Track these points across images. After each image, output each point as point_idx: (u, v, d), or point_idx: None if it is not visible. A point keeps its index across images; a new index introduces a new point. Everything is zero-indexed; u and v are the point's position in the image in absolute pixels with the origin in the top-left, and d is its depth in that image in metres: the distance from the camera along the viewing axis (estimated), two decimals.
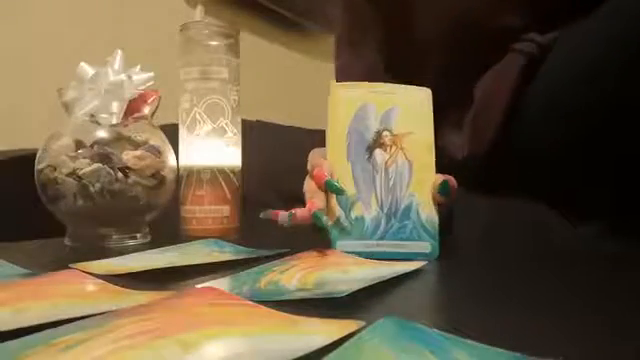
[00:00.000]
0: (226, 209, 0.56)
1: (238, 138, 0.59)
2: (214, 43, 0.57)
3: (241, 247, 0.45)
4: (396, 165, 0.42)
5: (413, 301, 0.29)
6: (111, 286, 0.30)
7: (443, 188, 0.40)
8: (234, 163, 0.58)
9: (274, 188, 0.73)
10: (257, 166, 0.67)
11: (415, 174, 0.42)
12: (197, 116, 0.56)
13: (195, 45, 0.57)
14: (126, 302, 0.26)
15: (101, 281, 0.31)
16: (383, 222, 0.41)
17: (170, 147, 0.54)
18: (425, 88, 0.44)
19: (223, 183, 0.57)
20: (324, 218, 0.39)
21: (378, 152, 0.42)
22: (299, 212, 0.39)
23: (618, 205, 0.48)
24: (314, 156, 0.45)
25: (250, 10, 1.33)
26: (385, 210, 0.41)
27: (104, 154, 0.48)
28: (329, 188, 0.40)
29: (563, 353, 0.18)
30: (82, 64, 0.51)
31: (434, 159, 0.42)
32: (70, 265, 0.35)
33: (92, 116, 0.50)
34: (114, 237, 0.49)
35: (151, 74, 0.53)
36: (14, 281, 0.32)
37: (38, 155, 0.50)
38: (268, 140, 0.83)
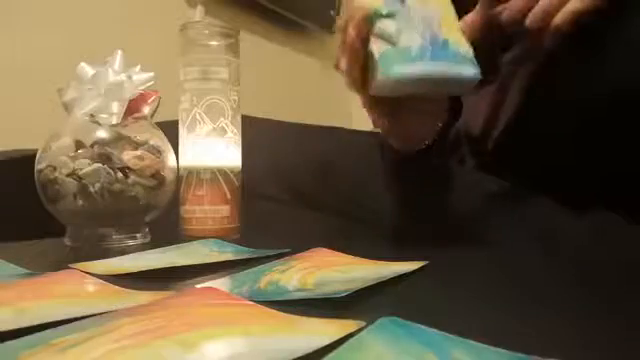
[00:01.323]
0: (226, 209, 0.56)
1: (238, 138, 0.59)
2: (214, 43, 0.57)
3: (241, 247, 0.45)
4: (427, 6, 0.43)
5: (413, 301, 0.29)
6: (111, 286, 0.30)
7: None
8: (234, 163, 0.58)
9: (276, 182, 0.73)
10: (259, 161, 0.67)
11: (444, 16, 0.43)
12: (197, 116, 0.56)
13: (195, 45, 0.57)
14: (126, 302, 0.26)
15: (101, 281, 0.31)
16: (428, 50, 0.41)
17: (170, 147, 0.54)
18: None
19: (223, 183, 0.57)
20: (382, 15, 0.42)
21: None
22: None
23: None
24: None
25: (250, 10, 1.33)
26: (427, 40, 0.41)
27: (104, 154, 0.48)
28: (377, 14, 0.42)
29: (564, 353, 0.18)
30: (82, 64, 0.51)
31: (452, 4, 0.44)
32: (70, 265, 0.35)
33: (92, 116, 0.50)
34: (114, 237, 0.49)
35: (151, 74, 0.53)
36: (14, 281, 0.32)
37: (38, 155, 0.50)
38: (270, 135, 0.83)
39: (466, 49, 0.42)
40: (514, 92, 0.56)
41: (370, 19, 0.42)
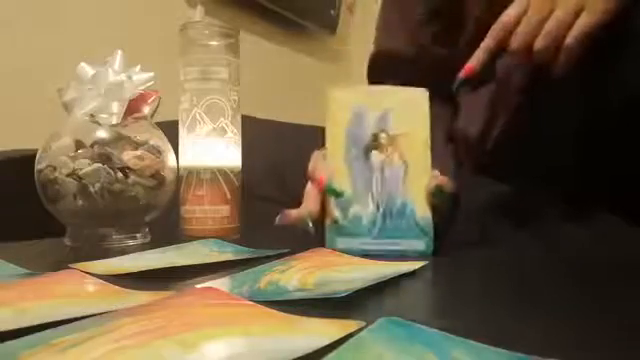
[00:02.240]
0: (226, 209, 0.56)
1: (238, 138, 0.59)
2: (214, 43, 0.57)
3: (241, 247, 0.45)
4: (392, 166, 0.43)
5: (413, 301, 0.29)
6: (111, 286, 0.30)
7: (437, 193, 0.42)
8: (234, 163, 0.58)
9: (276, 182, 0.73)
10: (259, 161, 0.67)
11: (410, 174, 0.43)
12: (197, 116, 0.56)
13: (195, 45, 0.57)
14: (126, 302, 0.26)
15: (101, 281, 0.31)
16: (379, 221, 0.42)
17: (170, 147, 0.54)
18: (422, 89, 0.44)
19: (223, 183, 0.57)
20: (310, 223, 0.42)
21: (375, 153, 0.43)
22: (294, 212, 0.42)
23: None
24: (315, 158, 0.46)
25: (250, 10, 1.33)
26: (381, 209, 0.42)
27: (104, 154, 0.48)
28: (329, 192, 0.43)
29: (564, 353, 0.18)
30: (82, 64, 0.51)
31: (429, 159, 0.43)
32: (70, 265, 0.35)
33: (92, 116, 0.50)
34: (114, 237, 0.49)
35: (151, 74, 0.53)
36: (14, 281, 0.32)
37: (38, 155, 0.50)
38: (269, 136, 0.83)
39: (424, 215, 0.42)
40: (513, 92, 0.55)
41: (326, 190, 0.43)
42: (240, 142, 0.59)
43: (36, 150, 0.50)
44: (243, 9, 1.31)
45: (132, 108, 0.51)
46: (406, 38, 0.63)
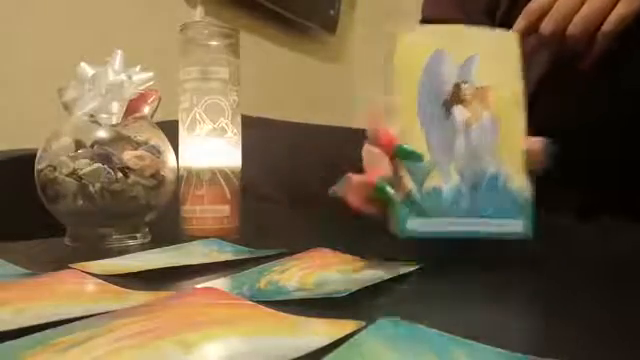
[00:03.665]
0: (226, 209, 0.56)
1: (238, 138, 0.59)
2: (214, 43, 0.57)
3: (241, 247, 0.45)
4: (480, 125, 0.34)
5: (413, 301, 0.29)
6: (111, 286, 0.30)
7: (549, 152, 0.34)
8: (234, 163, 0.58)
9: (276, 182, 0.73)
10: (259, 161, 0.66)
11: (503, 136, 0.34)
12: (197, 116, 0.56)
13: (195, 45, 0.57)
14: (126, 302, 0.26)
15: (101, 281, 0.31)
16: (465, 195, 0.34)
17: (170, 147, 0.54)
18: (512, 32, 0.37)
19: (223, 183, 0.57)
20: (389, 189, 0.32)
21: (457, 109, 0.34)
22: (356, 178, 0.32)
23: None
24: (374, 113, 0.37)
25: (250, 10, 1.33)
26: (467, 180, 0.34)
27: (104, 154, 0.48)
28: (400, 154, 0.33)
29: (564, 353, 0.18)
30: (82, 64, 0.51)
31: (525, 117, 0.35)
32: (70, 265, 0.35)
33: (92, 116, 0.50)
34: (114, 237, 0.49)
35: (151, 74, 0.53)
36: (14, 281, 0.32)
37: (38, 155, 0.50)
38: (269, 136, 0.83)
39: (520, 188, 0.34)
40: (534, 79, 0.54)
41: (397, 151, 0.33)
42: (240, 142, 0.59)
43: (36, 150, 0.50)
44: (243, 9, 1.31)
45: (132, 108, 0.51)
46: (454, 7, 0.62)
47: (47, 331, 0.20)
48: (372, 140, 0.34)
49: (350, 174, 0.32)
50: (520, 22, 0.46)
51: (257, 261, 0.37)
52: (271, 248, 0.42)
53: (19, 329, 0.21)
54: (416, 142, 0.34)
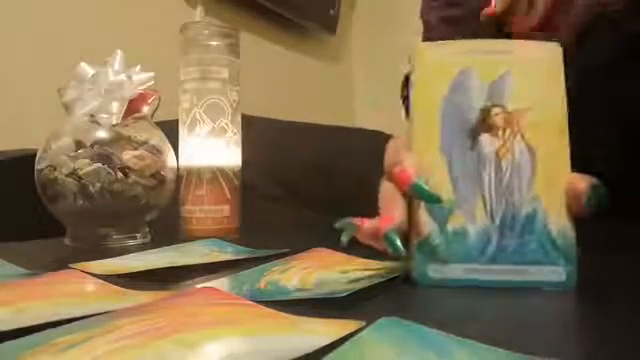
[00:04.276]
0: (226, 209, 0.56)
1: (238, 138, 0.59)
2: (214, 43, 0.57)
3: (241, 247, 0.45)
4: (512, 156, 0.29)
5: (413, 301, 0.29)
6: (111, 286, 0.30)
7: (595, 197, 0.28)
8: (234, 163, 0.58)
9: (276, 182, 0.73)
10: (259, 161, 0.66)
11: (540, 169, 0.29)
12: (197, 116, 0.56)
13: (195, 45, 0.57)
14: (126, 302, 0.26)
15: (101, 281, 0.31)
16: (495, 238, 0.29)
17: (170, 147, 0.54)
18: (554, 43, 0.31)
19: (223, 183, 0.57)
20: (397, 243, 0.28)
21: (486, 138, 0.30)
22: (366, 226, 0.29)
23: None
24: (394, 147, 0.33)
25: (250, 10, 1.33)
26: (497, 221, 0.29)
27: (104, 154, 0.48)
28: (417, 194, 0.29)
29: (564, 353, 0.18)
30: (82, 64, 0.51)
31: (568, 144, 0.30)
32: (70, 265, 0.35)
33: (92, 116, 0.50)
34: (114, 237, 0.49)
35: (151, 74, 0.53)
36: (14, 281, 0.32)
37: (38, 155, 0.50)
38: (269, 135, 0.83)
39: (561, 230, 0.29)
40: None
41: (413, 190, 0.29)
42: (240, 142, 0.59)
43: (36, 150, 0.50)
44: (243, 9, 1.31)
45: (132, 108, 0.51)
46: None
47: (47, 331, 0.20)
48: (388, 177, 0.31)
49: (359, 220, 0.29)
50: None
51: (257, 261, 0.37)
52: (271, 248, 0.42)
53: (19, 329, 0.20)
54: (437, 177, 0.29)
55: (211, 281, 0.31)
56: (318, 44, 1.63)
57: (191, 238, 0.49)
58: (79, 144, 0.49)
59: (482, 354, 0.18)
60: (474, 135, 0.30)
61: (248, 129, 0.61)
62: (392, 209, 0.29)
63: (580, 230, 0.29)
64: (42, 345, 0.19)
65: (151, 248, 0.44)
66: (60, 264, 0.35)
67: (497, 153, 0.30)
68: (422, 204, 0.29)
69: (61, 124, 0.51)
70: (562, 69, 0.30)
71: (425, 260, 0.29)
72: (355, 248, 0.40)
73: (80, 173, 0.47)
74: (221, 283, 0.31)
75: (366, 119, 1.48)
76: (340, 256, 0.39)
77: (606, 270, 0.33)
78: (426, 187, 0.29)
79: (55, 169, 0.48)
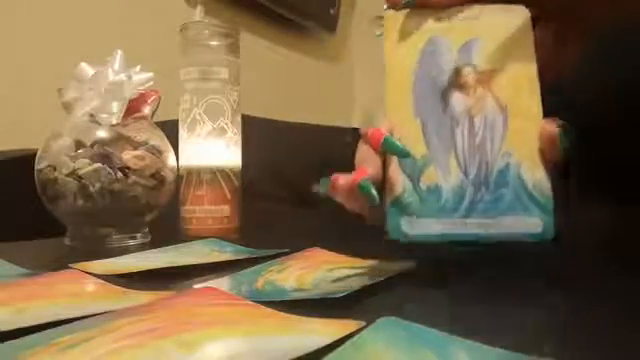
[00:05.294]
0: (226, 209, 0.56)
1: (238, 138, 0.59)
2: (214, 43, 0.57)
3: (241, 247, 0.45)
4: (484, 113, 0.30)
5: (413, 301, 0.29)
6: (111, 286, 0.30)
7: (567, 137, 0.28)
8: (234, 163, 0.58)
9: (276, 182, 0.73)
10: (258, 159, 0.66)
11: (512, 123, 0.29)
12: (197, 116, 0.56)
13: (195, 45, 0.57)
14: (126, 302, 0.26)
15: (101, 281, 0.31)
16: (469, 192, 0.29)
17: (170, 147, 0.54)
18: (521, 7, 0.31)
19: (223, 183, 0.57)
20: (372, 191, 0.28)
21: (458, 97, 0.30)
22: (342, 179, 0.29)
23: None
24: (369, 111, 0.36)
25: (250, 10, 1.33)
26: (471, 175, 0.29)
27: (104, 154, 0.48)
28: (388, 148, 0.29)
29: (564, 353, 0.18)
30: (82, 64, 0.51)
31: (539, 100, 0.30)
32: (70, 265, 0.35)
33: (92, 116, 0.50)
34: (114, 237, 0.49)
35: (151, 74, 0.53)
36: (14, 281, 0.32)
37: (38, 155, 0.50)
38: (269, 135, 0.83)
39: (537, 181, 0.28)
40: None
41: (384, 145, 0.30)
42: (240, 142, 0.59)
43: (36, 150, 0.50)
44: (243, 9, 1.31)
45: (132, 108, 0.51)
46: None
47: (47, 331, 0.20)
48: (364, 138, 0.31)
49: (336, 174, 0.30)
50: None
51: (257, 261, 0.37)
52: (271, 248, 0.42)
53: (19, 329, 0.21)
54: (410, 136, 0.30)
55: (211, 281, 0.31)
56: (318, 44, 1.63)
57: (191, 238, 0.49)
58: (79, 144, 0.49)
59: (482, 354, 0.18)
60: (446, 96, 0.30)
61: (248, 130, 0.61)
62: (366, 166, 0.30)
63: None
64: (42, 345, 0.19)
65: (151, 248, 0.44)
66: (60, 264, 0.35)
67: (469, 111, 0.30)
68: (395, 161, 0.29)
69: (61, 124, 0.51)
70: (530, 31, 0.30)
71: (398, 216, 0.29)
72: (354, 248, 0.40)
73: (80, 173, 0.47)
74: (221, 283, 0.31)
75: (364, 119, 1.48)
76: (337, 256, 0.39)
77: None
78: (396, 141, 0.29)
79: (55, 169, 0.48)
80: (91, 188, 0.47)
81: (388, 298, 0.29)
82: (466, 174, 0.29)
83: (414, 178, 0.29)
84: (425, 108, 0.30)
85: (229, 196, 0.57)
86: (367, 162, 0.30)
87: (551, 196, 0.29)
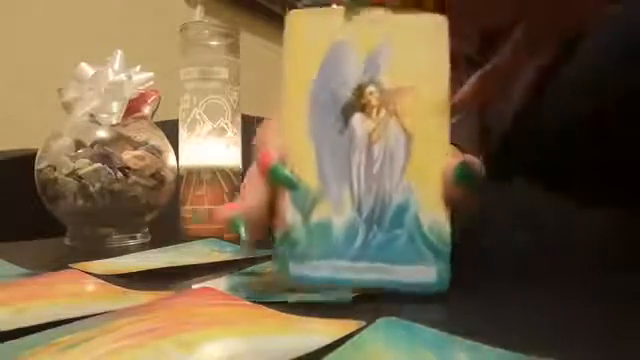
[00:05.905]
0: None
1: (238, 138, 0.59)
2: (214, 43, 0.57)
3: None
4: (386, 139, 0.26)
5: (413, 301, 0.29)
6: (111, 286, 0.30)
7: (462, 173, 0.25)
8: (234, 163, 0.58)
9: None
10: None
11: (416, 155, 0.26)
12: (197, 116, 0.56)
13: (195, 45, 0.57)
14: (126, 302, 0.26)
15: (101, 281, 0.31)
16: (361, 231, 0.26)
17: (170, 147, 0.54)
18: (437, 14, 0.27)
19: (223, 183, 0.57)
20: (241, 229, 0.26)
21: (358, 118, 0.26)
22: (219, 213, 0.27)
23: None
24: (263, 131, 0.30)
25: (250, 10, 1.33)
26: (365, 213, 0.26)
27: (104, 154, 0.48)
28: (273, 178, 0.26)
29: (564, 353, 0.18)
30: (82, 64, 0.51)
31: (447, 130, 0.26)
32: (70, 265, 0.35)
33: (92, 116, 0.50)
34: (114, 237, 0.49)
35: (151, 74, 0.53)
36: (14, 281, 0.32)
37: (38, 155, 0.50)
38: None
39: (436, 224, 0.26)
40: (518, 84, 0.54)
41: (271, 174, 0.26)
42: (240, 142, 0.59)
43: (36, 150, 0.50)
44: (243, 9, 1.31)
45: (132, 108, 0.51)
46: None
47: (47, 331, 0.20)
48: (255, 160, 0.28)
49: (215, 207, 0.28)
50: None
51: (257, 261, 0.37)
52: (271, 248, 0.42)
53: (19, 329, 0.21)
54: (302, 162, 0.26)
55: (211, 281, 0.31)
56: None
57: (191, 238, 0.49)
58: (79, 144, 0.49)
59: (482, 354, 0.18)
60: (346, 116, 0.26)
61: (248, 130, 0.61)
62: (247, 194, 0.27)
63: None
64: (42, 345, 0.19)
65: (151, 248, 0.44)
66: (60, 264, 0.35)
67: (370, 137, 0.26)
68: (286, 194, 0.26)
69: (61, 124, 0.51)
70: (447, 41, 0.27)
71: (285, 255, 0.26)
72: None
73: (80, 173, 0.47)
74: (221, 283, 0.31)
75: None
76: None
77: None
78: (284, 171, 0.26)
79: (55, 169, 0.48)
80: (91, 188, 0.47)
81: (388, 298, 0.29)
82: (359, 210, 0.26)
83: (304, 211, 0.26)
84: (321, 127, 0.26)
85: (229, 196, 0.57)
86: (251, 189, 0.27)
87: (449, 241, 0.26)
